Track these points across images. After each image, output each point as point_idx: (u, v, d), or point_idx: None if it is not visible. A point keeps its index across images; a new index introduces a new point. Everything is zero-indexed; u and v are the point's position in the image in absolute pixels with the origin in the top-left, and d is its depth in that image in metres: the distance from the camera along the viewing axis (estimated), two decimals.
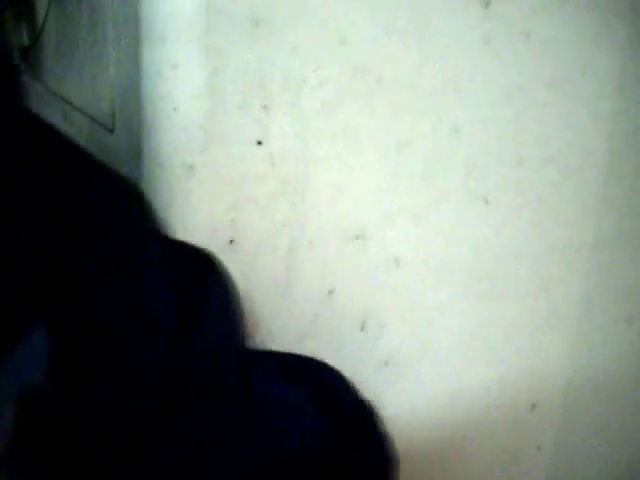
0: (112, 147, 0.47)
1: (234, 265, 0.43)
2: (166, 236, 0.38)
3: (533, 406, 0.61)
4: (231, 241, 0.42)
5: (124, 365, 0.31)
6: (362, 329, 0.49)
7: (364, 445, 0.39)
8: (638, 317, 0.66)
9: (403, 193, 0.47)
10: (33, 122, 0.35)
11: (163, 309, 0.32)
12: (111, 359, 0.31)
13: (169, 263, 0.34)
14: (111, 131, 0.47)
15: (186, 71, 0.39)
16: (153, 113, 0.40)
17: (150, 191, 0.41)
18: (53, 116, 0.64)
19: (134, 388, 0.31)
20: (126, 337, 0.31)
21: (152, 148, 0.41)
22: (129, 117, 0.43)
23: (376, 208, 0.47)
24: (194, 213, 0.41)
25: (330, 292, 0.46)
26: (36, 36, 0.65)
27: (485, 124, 0.50)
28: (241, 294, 0.44)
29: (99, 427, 0.30)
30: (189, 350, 0.33)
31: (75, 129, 0.56)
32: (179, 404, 0.33)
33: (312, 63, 0.42)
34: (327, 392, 0.41)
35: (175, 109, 0.39)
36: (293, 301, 0.45)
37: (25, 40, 0.68)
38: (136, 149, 0.42)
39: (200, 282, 0.35)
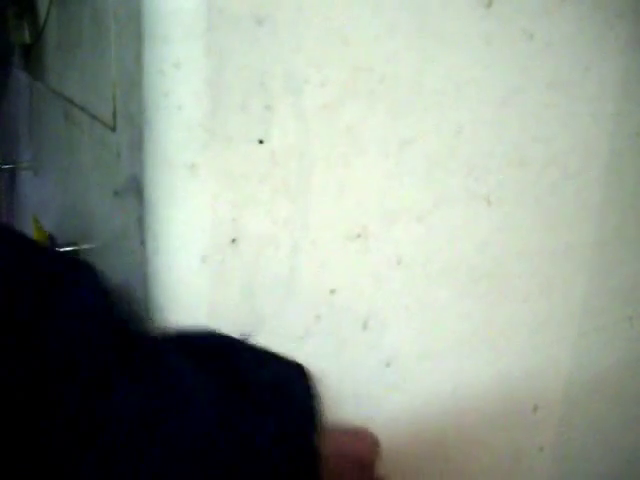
0: (113, 146, 0.47)
1: (236, 264, 0.43)
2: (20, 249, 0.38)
3: (535, 407, 0.61)
4: (233, 240, 0.42)
5: None
6: (364, 328, 0.49)
7: (285, 406, 0.39)
8: (639, 317, 0.65)
9: (405, 193, 0.47)
10: None
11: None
12: None
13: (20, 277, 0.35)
14: (113, 129, 0.46)
15: (188, 70, 0.39)
16: (155, 112, 0.40)
17: (151, 190, 0.41)
18: (54, 114, 0.64)
19: None
20: None
21: (154, 147, 0.40)
22: (131, 116, 0.43)
23: (378, 207, 0.47)
24: (196, 212, 0.41)
25: (332, 291, 0.46)
26: (38, 34, 0.65)
27: (487, 124, 0.50)
28: (243, 292, 0.44)
29: None
30: (43, 347, 0.33)
31: (77, 127, 0.56)
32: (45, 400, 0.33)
33: (314, 62, 0.42)
34: (233, 363, 0.40)
35: (177, 108, 0.39)
36: (295, 300, 0.45)
37: (27, 38, 0.68)
38: (138, 148, 0.42)
39: (57, 286, 0.35)
